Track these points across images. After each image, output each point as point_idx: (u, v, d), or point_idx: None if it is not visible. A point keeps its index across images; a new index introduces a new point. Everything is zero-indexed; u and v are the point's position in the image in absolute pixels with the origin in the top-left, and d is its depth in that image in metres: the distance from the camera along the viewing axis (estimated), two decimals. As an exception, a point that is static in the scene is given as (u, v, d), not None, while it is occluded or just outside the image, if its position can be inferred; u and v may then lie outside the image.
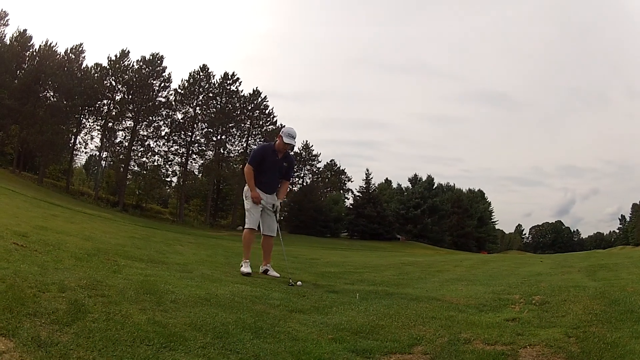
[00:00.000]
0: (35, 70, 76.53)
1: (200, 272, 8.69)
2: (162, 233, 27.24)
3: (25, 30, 79.37)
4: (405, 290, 8.78)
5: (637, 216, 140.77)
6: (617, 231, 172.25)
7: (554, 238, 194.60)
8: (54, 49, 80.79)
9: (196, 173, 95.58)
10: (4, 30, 78.04)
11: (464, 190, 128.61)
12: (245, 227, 9.89)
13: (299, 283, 8.57)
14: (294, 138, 9.84)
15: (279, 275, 9.76)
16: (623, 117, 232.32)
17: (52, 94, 79.90)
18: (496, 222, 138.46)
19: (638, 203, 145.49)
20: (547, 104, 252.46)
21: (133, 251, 10.81)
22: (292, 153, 10.68)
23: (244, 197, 10.06)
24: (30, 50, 79.40)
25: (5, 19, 78.41)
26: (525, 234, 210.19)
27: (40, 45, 79.89)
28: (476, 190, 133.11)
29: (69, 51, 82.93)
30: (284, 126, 10.66)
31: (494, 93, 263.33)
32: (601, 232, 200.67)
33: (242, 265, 9.62)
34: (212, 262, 11.24)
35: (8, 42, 76.99)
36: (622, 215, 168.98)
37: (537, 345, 4.77)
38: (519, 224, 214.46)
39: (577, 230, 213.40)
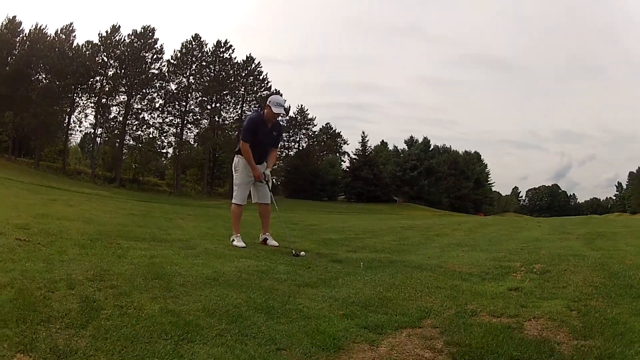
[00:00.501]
0: (26, 55, 76.85)
1: (203, 248, 8.74)
2: (161, 207, 27.39)
3: (14, 17, 79.58)
4: (407, 257, 8.91)
5: (634, 184, 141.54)
6: (614, 198, 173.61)
7: (550, 201, 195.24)
8: (44, 31, 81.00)
9: (192, 143, 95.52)
10: None
11: (460, 152, 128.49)
12: (234, 202, 9.90)
13: (302, 253, 8.58)
14: (282, 106, 9.81)
15: (278, 244, 9.84)
16: (621, 85, 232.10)
17: (44, 76, 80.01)
18: (493, 185, 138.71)
19: (635, 172, 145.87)
20: (545, 69, 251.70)
21: (135, 230, 10.86)
22: (282, 120, 10.55)
23: (233, 170, 10.04)
24: (21, 36, 79.56)
25: None
26: (521, 197, 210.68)
27: (30, 30, 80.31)
28: (472, 152, 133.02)
29: (59, 32, 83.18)
30: (274, 93, 10.56)
31: (492, 57, 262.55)
32: (597, 197, 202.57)
33: (233, 240, 9.59)
34: (214, 235, 11.28)
35: None
36: (618, 182, 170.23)
37: (541, 318, 4.84)
38: (515, 187, 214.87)
39: (574, 194, 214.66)
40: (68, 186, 43.62)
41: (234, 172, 10.00)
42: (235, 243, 9.44)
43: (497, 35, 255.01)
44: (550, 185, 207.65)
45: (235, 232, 9.72)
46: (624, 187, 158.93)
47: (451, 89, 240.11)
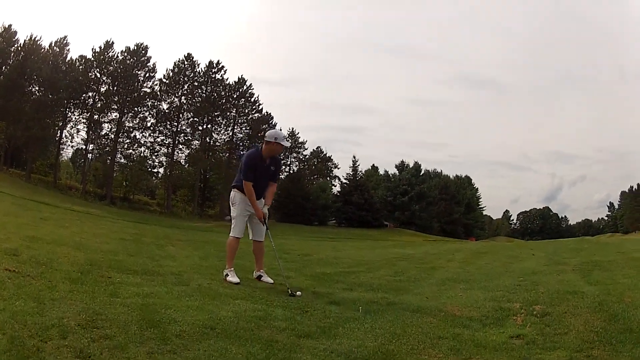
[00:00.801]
0: (20, 65, 76.42)
1: (197, 284, 8.57)
2: (152, 229, 27.17)
3: (10, 26, 79.57)
4: (405, 297, 8.73)
5: (626, 204, 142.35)
6: (606, 218, 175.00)
7: (542, 224, 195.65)
8: (38, 42, 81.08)
9: (183, 163, 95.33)
10: None
11: (451, 176, 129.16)
12: (231, 235, 9.65)
13: (298, 293, 8.38)
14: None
15: (272, 281, 9.62)
16: (609, 103, 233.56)
17: (37, 88, 79.86)
18: (484, 208, 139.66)
19: (627, 191, 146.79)
20: (534, 89, 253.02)
21: (126, 260, 10.59)
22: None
23: (230, 204, 9.84)
24: (15, 46, 79.30)
25: None
26: (513, 220, 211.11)
27: (25, 40, 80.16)
28: (463, 176, 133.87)
29: (53, 44, 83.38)
30: (268, 121, 10.34)
31: (480, 77, 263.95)
32: (589, 219, 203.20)
33: (227, 275, 9.41)
34: (207, 268, 11.08)
35: None
36: (610, 202, 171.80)
37: (545, 373, 4.65)
38: (506, 210, 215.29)
39: (565, 216, 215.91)
40: (59, 202, 43.41)
41: (231, 206, 9.79)
42: (229, 279, 9.25)
43: (485, 54, 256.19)
44: (541, 207, 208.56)
45: (228, 266, 9.55)
46: (616, 207, 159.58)
47: (440, 110, 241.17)
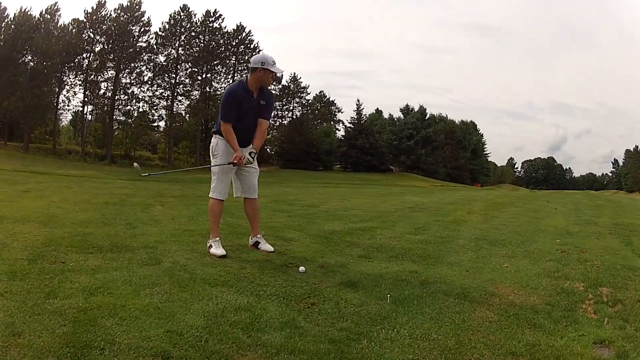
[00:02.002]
0: (12, 39, 75.67)
1: (170, 262, 6.70)
2: (147, 186, 25.03)
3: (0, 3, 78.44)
4: (440, 270, 6.86)
5: (631, 163, 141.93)
6: (610, 174, 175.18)
7: (546, 174, 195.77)
8: (29, 13, 79.87)
9: (183, 115, 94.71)
10: None
11: (456, 121, 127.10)
12: (212, 196, 7.75)
13: (301, 269, 6.49)
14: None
15: (273, 249, 7.72)
16: (616, 59, 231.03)
17: (29, 58, 79.33)
18: (489, 155, 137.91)
19: (632, 150, 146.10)
20: (539, 38, 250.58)
21: (95, 233, 8.68)
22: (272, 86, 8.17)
23: (210, 155, 7.83)
24: (6, 21, 78.35)
25: None
26: (517, 168, 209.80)
27: (14, 14, 79.12)
28: (469, 121, 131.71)
29: (44, 12, 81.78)
30: (260, 53, 8.07)
31: (485, 24, 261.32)
32: (593, 173, 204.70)
33: (211, 246, 7.46)
34: (191, 234, 9.06)
35: None
36: (615, 159, 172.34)
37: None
38: (511, 157, 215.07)
39: (570, 168, 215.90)
40: (55, 168, 41.88)
41: (212, 158, 7.82)
42: (213, 250, 7.36)
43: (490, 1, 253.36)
44: (546, 157, 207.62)
45: (213, 235, 7.61)
46: (620, 164, 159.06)
47: (445, 56, 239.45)
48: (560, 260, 7.88)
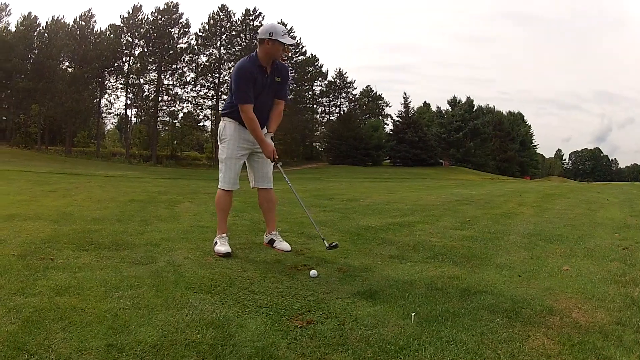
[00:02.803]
0: (46, 46, 77.59)
1: (165, 261, 5.74)
2: (184, 184, 24.16)
3: (29, 13, 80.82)
4: (485, 275, 5.54)
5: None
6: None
7: (593, 165, 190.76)
8: (62, 21, 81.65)
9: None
10: (7, 21, 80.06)
11: (504, 112, 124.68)
12: (220, 187, 6.60)
13: (313, 273, 5.28)
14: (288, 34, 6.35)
15: (289, 248, 6.53)
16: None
17: (67, 64, 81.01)
18: (537, 147, 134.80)
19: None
20: (580, 26, 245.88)
21: (103, 229, 7.85)
22: (286, 58, 6.83)
23: (218, 140, 6.66)
24: (38, 30, 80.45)
25: (8, 10, 79.97)
26: (565, 160, 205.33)
27: (47, 22, 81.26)
28: (516, 112, 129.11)
29: (78, 19, 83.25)
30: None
31: (527, 13, 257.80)
32: (638, 163, 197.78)
33: (216, 243, 6.39)
34: (204, 231, 7.95)
35: (14, 29, 78.35)
36: None
37: None
38: (558, 149, 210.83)
39: (615, 159, 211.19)
40: (95, 170, 41.35)
41: (219, 143, 6.63)
42: (217, 248, 6.28)
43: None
44: (592, 148, 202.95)
45: (219, 231, 6.50)
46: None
47: (489, 46, 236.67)
48: (624, 259, 6.56)
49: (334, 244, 6.21)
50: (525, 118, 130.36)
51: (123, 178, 30.76)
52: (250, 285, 4.87)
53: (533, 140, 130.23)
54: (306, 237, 7.49)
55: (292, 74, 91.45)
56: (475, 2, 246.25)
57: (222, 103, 57.62)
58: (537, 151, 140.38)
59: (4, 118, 79.29)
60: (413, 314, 4.06)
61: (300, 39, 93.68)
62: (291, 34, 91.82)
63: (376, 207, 12.96)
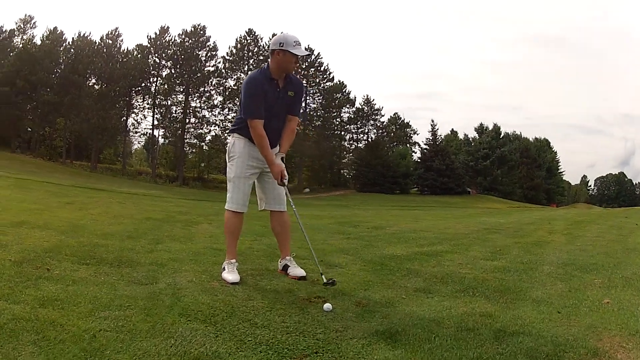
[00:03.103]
0: (72, 62, 78.60)
1: (166, 284, 5.30)
2: (207, 206, 23.60)
3: (55, 28, 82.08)
4: (521, 312, 4.90)
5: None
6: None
7: (617, 190, 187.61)
8: (88, 38, 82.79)
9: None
10: (32, 33, 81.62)
11: (530, 139, 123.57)
12: (227, 207, 6.14)
13: (327, 307, 4.68)
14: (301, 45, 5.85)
15: (304, 273, 6.00)
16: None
17: (94, 81, 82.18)
18: (563, 173, 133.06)
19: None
20: (600, 47, 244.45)
21: (110, 244, 7.42)
22: (297, 71, 6.25)
23: (227, 158, 6.25)
24: (64, 45, 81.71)
25: (32, 22, 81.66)
26: (590, 186, 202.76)
27: (73, 38, 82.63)
28: (542, 138, 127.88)
29: (104, 37, 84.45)
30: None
31: (549, 36, 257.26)
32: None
33: (223, 269, 5.88)
34: (217, 253, 7.39)
35: (39, 42, 79.71)
36: None
37: None
38: (584, 175, 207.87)
39: (639, 183, 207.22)
40: (119, 186, 40.94)
41: (227, 161, 6.23)
42: (224, 275, 5.76)
43: (550, 12, 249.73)
44: (617, 173, 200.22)
45: (228, 256, 5.99)
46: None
47: (513, 72, 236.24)
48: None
49: (331, 280, 5.65)
50: (551, 145, 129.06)
51: (145, 196, 30.40)
52: (253, 317, 4.33)
53: (559, 167, 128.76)
54: (326, 266, 6.90)
55: (320, 100, 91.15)
56: (497, 27, 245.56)
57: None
58: (563, 178, 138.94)
59: (29, 129, 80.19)
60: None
61: (327, 65, 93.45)
62: (319, 60, 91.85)
63: (402, 235, 12.30)
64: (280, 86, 5.84)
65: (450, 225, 16.84)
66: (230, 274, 5.69)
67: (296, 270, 6.08)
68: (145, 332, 3.72)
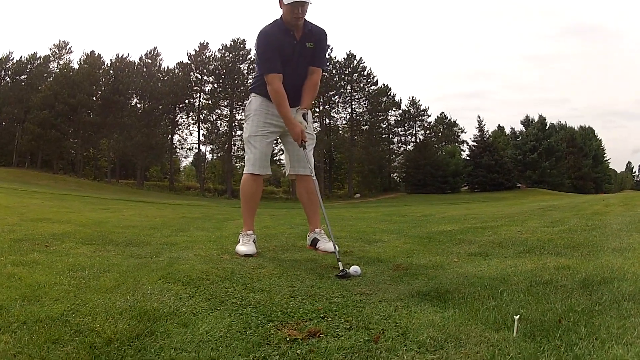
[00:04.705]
0: (113, 82, 78.56)
1: (168, 257, 4.39)
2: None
3: (92, 51, 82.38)
4: (608, 263, 3.70)
5: None
6: None
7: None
8: (127, 59, 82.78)
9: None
10: (68, 57, 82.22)
11: (575, 128, 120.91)
12: (245, 171, 5.16)
13: (353, 269, 3.66)
14: None
15: (335, 249, 4.37)
16: None
17: (136, 100, 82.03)
18: (609, 161, 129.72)
19: None
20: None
21: (128, 232, 6.50)
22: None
23: (244, 117, 5.25)
24: (103, 67, 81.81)
25: (68, 47, 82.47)
26: (635, 172, 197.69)
27: (111, 60, 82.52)
28: (587, 127, 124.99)
29: (144, 57, 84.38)
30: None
31: (587, 25, 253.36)
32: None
33: (239, 241, 4.91)
34: (233, 237, 6.12)
35: (77, 66, 79.82)
36: None
37: None
38: (628, 162, 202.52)
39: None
40: (164, 199, 39.39)
41: (245, 120, 5.25)
42: (238, 247, 4.81)
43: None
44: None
45: (245, 227, 5.06)
46: None
47: (555, 64, 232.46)
48: None
49: (343, 272, 3.68)
50: (596, 132, 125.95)
51: (189, 206, 28.99)
52: (251, 282, 3.34)
53: (605, 155, 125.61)
54: (364, 242, 5.81)
55: (366, 105, 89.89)
56: (536, 20, 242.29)
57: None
58: (609, 166, 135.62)
59: (72, 152, 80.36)
60: (517, 317, 2.25)
61: (370, 69, 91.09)
62: (362, 65, 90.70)
63: (452, 218, 11.04)
64: (297, 38, 4.84)
65: (503, 209, 15.78)
66: (244, 246, 4.74)
67: (327, 245, 4.96)
68: (104, 289, 3.07)
